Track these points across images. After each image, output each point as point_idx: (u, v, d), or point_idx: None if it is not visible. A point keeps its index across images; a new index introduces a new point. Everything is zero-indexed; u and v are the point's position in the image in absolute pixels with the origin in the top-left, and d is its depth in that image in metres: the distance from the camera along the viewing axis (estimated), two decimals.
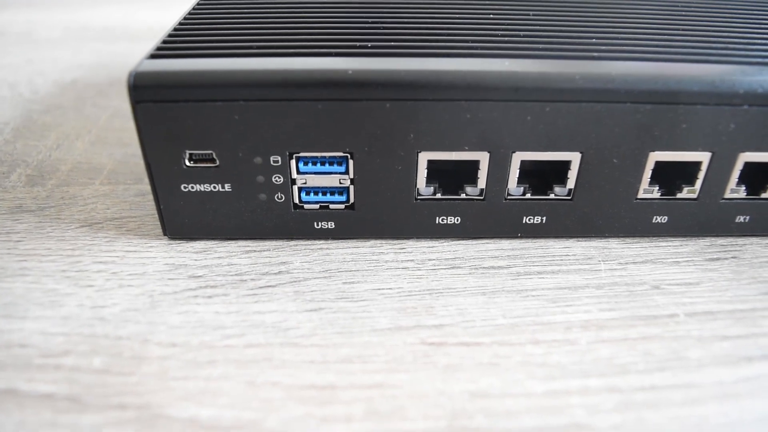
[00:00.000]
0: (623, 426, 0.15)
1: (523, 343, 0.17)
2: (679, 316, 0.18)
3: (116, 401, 0.15)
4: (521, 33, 0.20)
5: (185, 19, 0.21)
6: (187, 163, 0.18)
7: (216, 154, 0.18)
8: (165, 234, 0.20)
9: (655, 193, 0.20)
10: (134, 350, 0.16)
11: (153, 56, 0.18)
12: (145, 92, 0.17)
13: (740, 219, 0.21)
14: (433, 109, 0.17)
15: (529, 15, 0.22)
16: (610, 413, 0.15)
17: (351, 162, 0.18)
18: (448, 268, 0.19)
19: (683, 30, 0.21)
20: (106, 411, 0.15)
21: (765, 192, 0.20)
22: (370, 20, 0.21)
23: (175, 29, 0.20)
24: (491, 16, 0.22)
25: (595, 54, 0.18)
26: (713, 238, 0.21)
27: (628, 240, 0.21)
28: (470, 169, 0.19)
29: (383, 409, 0.15)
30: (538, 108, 0.18)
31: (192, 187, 0.19)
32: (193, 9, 0.23)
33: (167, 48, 0.19)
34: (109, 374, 0.16)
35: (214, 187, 0.19)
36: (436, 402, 0.15)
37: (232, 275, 0.19)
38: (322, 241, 0.20)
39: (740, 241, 0.21)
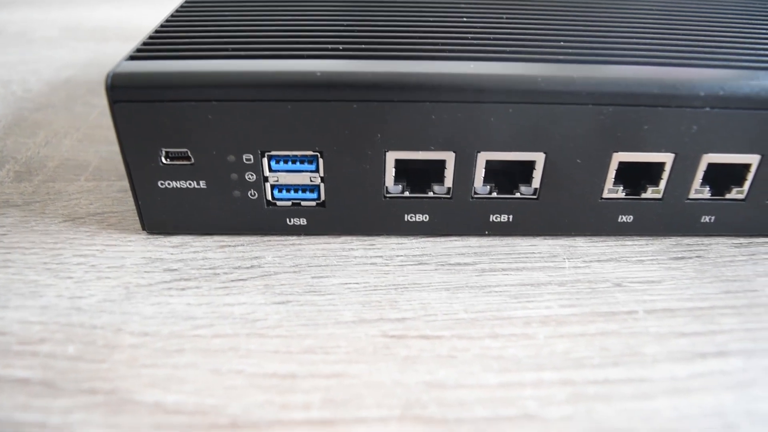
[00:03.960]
0: (573, 418, 0.15)
1: (482, 337, 0.17)
2: (638, 312, 0.18)
3: (87, 386, 0.16)
4: (491, 36, 0.21)
5: (166, 21, 0.22)
6: (164, 160, 0.19)
7: (191, 152, 0.19)
8: (144, 229, 0.21)
9: (620, 193, 0.20)
10: (107, 339, 0.17)
11: (132, 57, 0.19)
12: (122, 92, 0.18)
13: (705, 219, 0.21)
14: (399, 110, 0.18)
15: (502, 18, 0.23)
16: (561, 405, 0.15)
17: (321, 161, 0.19)
18: (414, 264, 0.20)
19: (646, 33, 0.21)
20: (76, 395, 0.15)
21: (729, 193, 0.20)
22: (344, 23, 0.22)
23: (156, 31, 0.21)
24: (464, 19, 0.22)
25: (561, 57, 0.19)
26: (680, 238, 0.22)
27: (595, 239, 0.21)
28: (437, 168, 0.19)
29: (340, 397, 0.15)
30: (502, 109, 0.18)
31: (168, 184, 0.20)
32: (175, 12, 0.23)
33: (146, 49, 0.19)
34: (82, 361, 0.16)
35: (190, 184, 0.20)
36: (391, 392, 0.15)
37: (206, 269, 0.19)
38: (294, 237, 0.21)
39: (707, 240, 0.21)
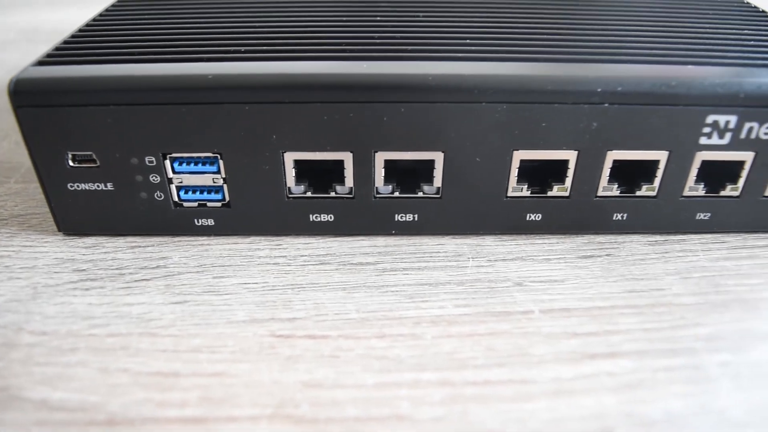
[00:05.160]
0: (444, 419, 0.15)
1: (369, 337, 0.17)
2: (534, 312, 0.18)
3: None
4: (397, 36, 0.21)
5: (85, 26, 0.22)
6: (71, 163, 0.20)
7: (96, 155, 0.19)
8: (60, 230, 0.21)
9: (525, 192, 0.20)
10: (7, 338, 0.17)
11: (40, 63, 0.19)
12: (24, 97, 0.18)
13: (617, 217, 0.21)
14: (291, 111, 0.18)
15: (418, 17, 0.23)
16: (434, 406, 0.15)
17: (221, 162, 0.19)
18: (316, 264, 0.20)
19: (542, 29, 0.21)
20: None
21: (640, 190, 0.20)
22: (253, 27, 0.22)
23: (72, 36, 0.21)
24: (378, 18, 0.22)
25: (454, 55, 0.19)
26: (592, 236, 0.21)
27: (504, 237, 0.21)
28: (339, 167, 0.20)
29: (217, 396, 0.16)
30: (393, 109, 0.18)
31: (78, 186, 0.20)
32: (96, 17, 0.24)
33: (55, 54, 0.20)
34: None
35: (98, 186, 0.20)
36: (268, 391, 0.16)
37: (113, 269, 0.20)
38: (204, 238, 0.21)
39: (621, 238, 0.21)
